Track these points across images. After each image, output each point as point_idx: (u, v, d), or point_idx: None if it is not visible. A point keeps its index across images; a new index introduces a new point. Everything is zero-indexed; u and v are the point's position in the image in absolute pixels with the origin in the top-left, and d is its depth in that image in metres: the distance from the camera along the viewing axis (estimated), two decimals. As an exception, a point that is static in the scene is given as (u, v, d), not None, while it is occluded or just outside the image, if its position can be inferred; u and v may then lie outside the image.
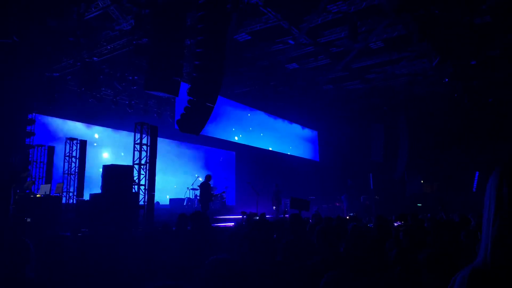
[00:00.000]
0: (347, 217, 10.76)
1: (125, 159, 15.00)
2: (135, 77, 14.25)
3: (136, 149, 11.40)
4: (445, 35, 11.46)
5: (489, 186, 1.16)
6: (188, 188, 16.61)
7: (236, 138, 18.19)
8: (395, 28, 12.40)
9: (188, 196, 16.53)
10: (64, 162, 13.69)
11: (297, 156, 21.47)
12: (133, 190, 10.65)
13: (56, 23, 10.79)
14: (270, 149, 19.76)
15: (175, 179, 18.08)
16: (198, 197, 15.74)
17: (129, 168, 10.48)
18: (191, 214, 4.16)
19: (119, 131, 16.48)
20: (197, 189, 16.36)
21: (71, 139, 13.83)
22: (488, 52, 13.98)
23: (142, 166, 11.33)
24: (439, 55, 11.23)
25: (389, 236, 4.60)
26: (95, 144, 15.79)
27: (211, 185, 13.12)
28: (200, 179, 17.91)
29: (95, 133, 16.11)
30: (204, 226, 4.03)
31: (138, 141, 11.43)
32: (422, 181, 26.65)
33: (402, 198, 22.21)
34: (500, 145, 22.75)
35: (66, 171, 13.61)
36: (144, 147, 11.41)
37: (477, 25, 11.96)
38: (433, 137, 22.78)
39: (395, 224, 7.16)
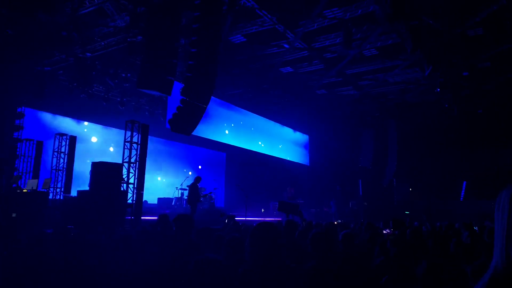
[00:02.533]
0: (335, 223, 10.78)
1: (115, 149, 14.95)
2: (128, 75, 14.14)
3: (126, 147, 11.31)
4: (438, 45, 11.60)
5: (503, 200, 1.26)
6: (177, 188, 16.52)
7: (226, 131, 18.13)
8: (389, 36, 12.51)
9: (177, 196, 16.43)
10: (52, 157, 13.52)
11: (287, 160, 21.50)
12: (122, 188, 10.56)
13: (49, 17, 10.66)
14: (260, 143, 19.75)
15: (164, 178, 18.01)
16: (186, 198, 15.76)
17: (118, 166, 10.40)
18: (174, 218, 4.12)
19: (110, 128, 16.36)
20: (186, 189, 16.31)
21: (61, 134, 13.67)
22: (479, 64, 14.18)
23: (131, 165, 11.24)
24: (432, 65, 11.35)
25: (377, 244, 4.62)
26: (85, 130, 15.78)
27: (199, 187, 13.08)
28: (190, 173, 18.07)
29: (84, 128, 15.99)
30: (187, 230, 3.98)
31: (129, 139, 11.34)
32: (410, 189, 26.88)
33: (390, 205, 22.36)
34: (488, 155, 23.05)
35: (54, 167, 13.45)
36: (135, 145, 11.33)
37: (469, 37, 12.13)
38: (422, 145, 22.99)
39: (384, 232, 7.19)
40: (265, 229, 2.56)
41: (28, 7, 10.02)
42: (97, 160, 10.37)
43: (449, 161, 23.72)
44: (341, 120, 21.18)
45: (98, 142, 16.25)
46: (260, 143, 19.83)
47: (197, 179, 12.14)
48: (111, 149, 16.33)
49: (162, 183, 17.78)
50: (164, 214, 5.77)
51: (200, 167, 19.47)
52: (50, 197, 11.93)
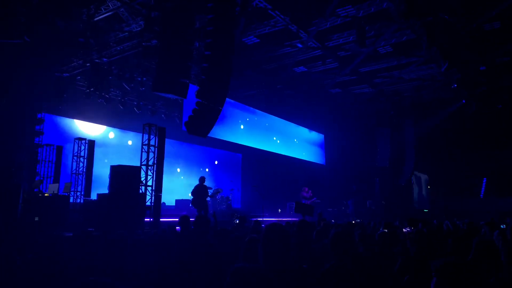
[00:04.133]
0: (353, 222, 10.74)
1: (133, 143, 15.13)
2: (144, 78, 14.33)
3: (144, 150, 11.46)
4: (454, 41, 11.42)
5: None
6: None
7: (242, 126, 18.17)
8: (404, 32, 12.39)
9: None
10: (72, 161, 13.79)
11: (303, 159, 21.44)
12: (140, 191, 10.70)
13: (66, 24, 10.89)
14: (275, 138, 19.76)
15: (182, 180, 18.16)
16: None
17: (137, 169, 10.54)
18: (195, 218, 4.13)
19: (127, 131, 16.59)
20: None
21: (80, 139, 13.94)
22: (497, 59, 13.90)
23: (149, 167, 11.38)
24: (448, 61, 11.18)
25: (397, 243, 4.59)
26: (103, 130, 16.03)
27: (208, 186, 12.95)
28: (207, 170, 18.30)
29: (102, 132, 16.22)
30: (205, 230, 4.00)
31: (146, 142, 11.49)
32: (428, 187, 26.48)
33: (409, 203, 22.06)
34: (508, 152, 22.55)
35: (74, 171, 13.72)
36: (152, 148, 11.47)
37: (486, 31, 11.91)
38: (440, 142, 22.62)
39: (404, 230, 7.13)
40: (275, 230, 2.56)
41: (46, 15, 10.24)
42: (115, 162, 10.55)
43: (468, 158, 23.30)
44: (356, 119, 21.03)
45: (116, 144, 16.46)
46: (275, 138, 19.79)
47: (201, 179, 11.83)
48: (130, 142, 16.65)
49: (180, 185, 17.91)
50: (184, 215, 5.83)
51: (216, 162, 19.77)
52: (71, 200, 12.17)
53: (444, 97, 17.97)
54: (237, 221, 8.95)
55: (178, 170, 18.28)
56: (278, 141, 19.91)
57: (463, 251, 3.75)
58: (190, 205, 12.30)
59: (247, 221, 8.75)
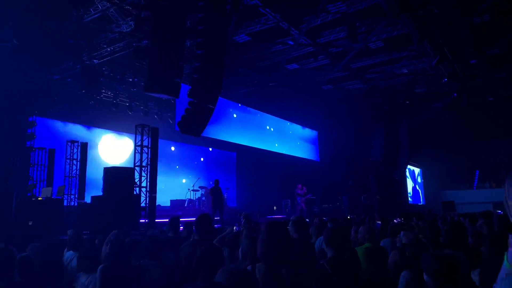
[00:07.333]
0: (348, 218, 10.76)
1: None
2: (135, 79, 14.25)
3: (137, 151, 11.40)
4: (445, 34, 11.48)
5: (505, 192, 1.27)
6: (189, 189, 16.60)
7: (234, 115, 18.12)
8: (395, 27, 12.42)
9: (189, 198, 16.51)
10: (65, 164, 13.68)
11: (297, 157, 21.46)
12: (135, 192, 10.65)
13: (55, 25, 10.79)
14: (268, 127, 19.78)
15: (176, 180, 18.10)
16: (203, 199, 15.99)
17: (130, 170, 10.49)
18: (197, 218, 4.04)
19: (120, 133, 16.50)
20: (197, 190, 16.42)
21: (72, 141, 13.83)
22: (488, 52, 14.00)
23: (143, 168, 11.33)
24: (439, 54, 11.24)
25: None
26: (96, 136, 15.88)
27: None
28: (202, 159, 18.17)
29: (95, 134, 16.09)
30: (210, 231, 3.93)
31: (139, 143, 11.43)
32: (422, 180, 26.67)
33: (403, 197, 22.20)
34: (500, 143, 22.77)
35: (68, 174, 13.61)
36: (145, 149, 11.41)
37: (476, 24, 11.98)
38: (433, 136, 22.80)
39: (395, 221, 7.18)
40: (277, 228, 2.58)
41: (36, 17, 10.14)
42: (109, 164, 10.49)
43: (461, 151, 23.51)
44: (349, 115, 21.08)
45: (109, 147, 16.34)
46: (268, 127, 19.74)
47: (217, 182, 12.32)
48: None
49: (174, 185, 17.85)
50: (176, 217, 5.78)
51: (210, 149, 19.74)
52: (65, 203, 12.07)
53: (436, 90, 18.08)
54: (243, 220, 9.01)
55: (184, 181, 18.09)
56: (272, 129, 19.86)
57: (458, 242, 3.78)
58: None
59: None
